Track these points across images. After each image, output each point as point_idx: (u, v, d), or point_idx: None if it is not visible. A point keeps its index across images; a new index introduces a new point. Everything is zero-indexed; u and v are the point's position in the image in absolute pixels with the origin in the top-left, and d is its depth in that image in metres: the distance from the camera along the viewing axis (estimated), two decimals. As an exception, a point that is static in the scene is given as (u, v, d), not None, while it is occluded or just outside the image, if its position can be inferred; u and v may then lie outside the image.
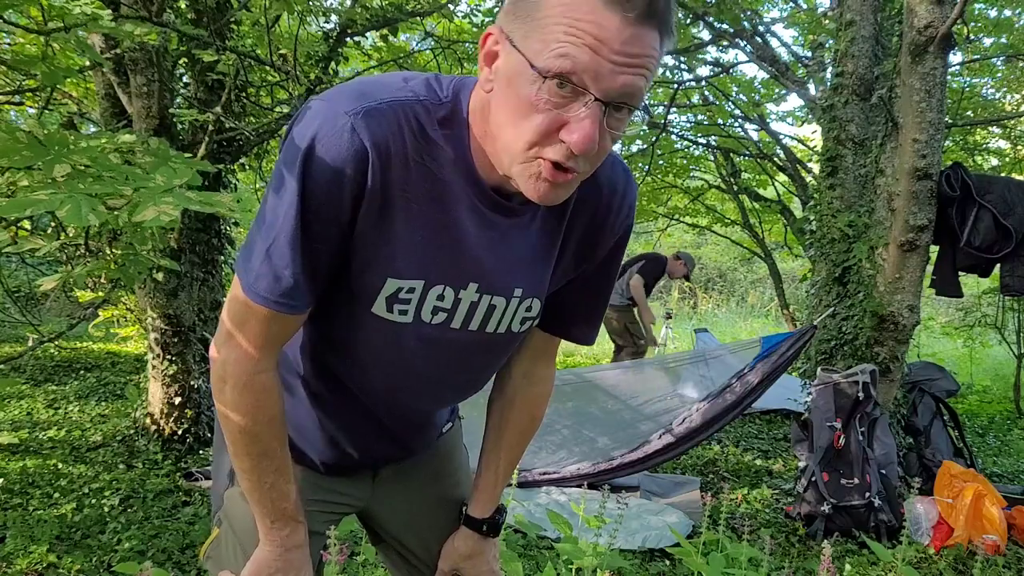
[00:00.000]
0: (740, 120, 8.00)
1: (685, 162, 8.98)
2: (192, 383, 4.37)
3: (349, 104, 0.79)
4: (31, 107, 4.42)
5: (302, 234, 0.81)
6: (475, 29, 6.36)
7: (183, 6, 4.13)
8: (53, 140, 1.31)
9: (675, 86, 7.58)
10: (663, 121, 7.53)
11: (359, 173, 0.79)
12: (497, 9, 6.04)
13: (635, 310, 6.15)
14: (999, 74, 7.39)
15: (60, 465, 3.95)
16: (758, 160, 8.32)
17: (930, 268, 3.87)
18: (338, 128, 0.78)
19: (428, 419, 1.14)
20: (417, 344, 0.95)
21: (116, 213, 1.32)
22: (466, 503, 1.21)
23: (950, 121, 5.26)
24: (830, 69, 4.81)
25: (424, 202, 0.84)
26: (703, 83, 7.75)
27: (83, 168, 1.29)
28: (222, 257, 4.65)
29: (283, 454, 0.96)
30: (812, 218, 4.46)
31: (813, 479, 3.47)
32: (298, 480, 1.06)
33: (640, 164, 8.28)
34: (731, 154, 8.44)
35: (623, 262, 6.38)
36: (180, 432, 4.36)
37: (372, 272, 0.87)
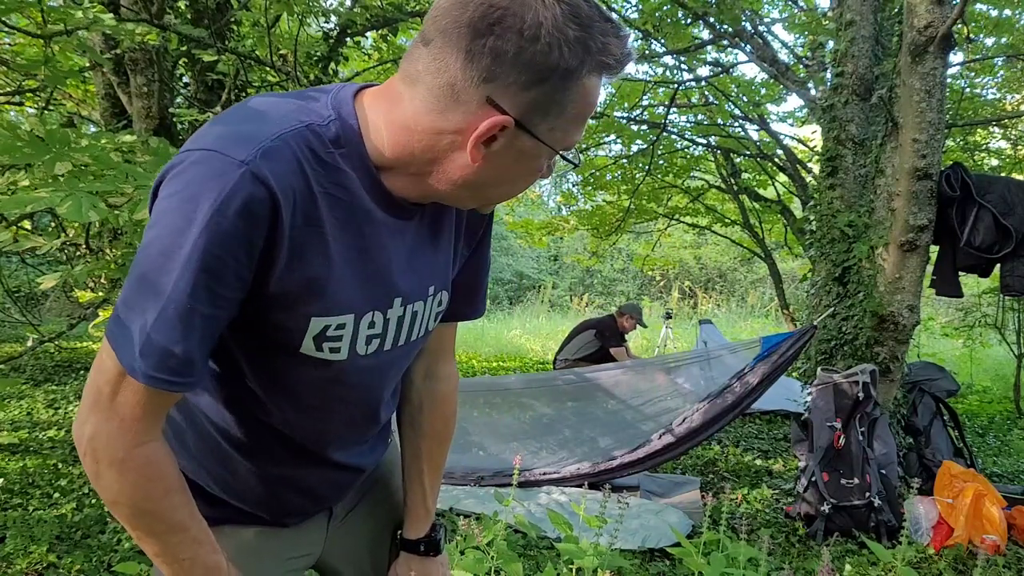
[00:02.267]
0: (740, 120, 8.00)
1: (685, 162, 8.98)
2: (192, 383, 4.37)
3: (240, 150, 0.71)
4: (31, 107, 4.42)
5: (202, 304, 0.72)
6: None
7: (183, 7, 4.13)
8: (54, 138, 1.30)
9: (675, 86, 7.59)
10: (663, 121, 7.54)
11: (268, 224, 0.72)
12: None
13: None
14: (999, 74, 7.39)
15: (60, 465, 3.95)
16: (758, 160, 8.32)
17: (930, 268, 3.87)
18: (237, 180, 0.69)
19: (369, 437, 1.07)
20: (353, 376, 0.90)
21: (117, 212, 1.32)
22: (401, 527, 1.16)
23: (950, 121, 5.27)
24: (830, 69, 4.81)
25: (338, 232, 0.80)
26: (703, 83, 7.75)
27: (84, 166, 1.29)
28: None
29: (195, 524, 0.84)
30: (812, 218, 4.46)
31: (813, 479, 3.47)
32: (252, 542, 0.99)
33: (640, 164, 8.28)
34: (731, 154, 8.44)
35: (578, 325, 6.24)
36: (180, 432, 4.35)
37: (294, 315, 0.80)
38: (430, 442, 1.13)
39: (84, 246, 2.38)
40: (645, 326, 6.75)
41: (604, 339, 6.00)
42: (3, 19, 1.96)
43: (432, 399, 1.12)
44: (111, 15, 2.08)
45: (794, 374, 5.28)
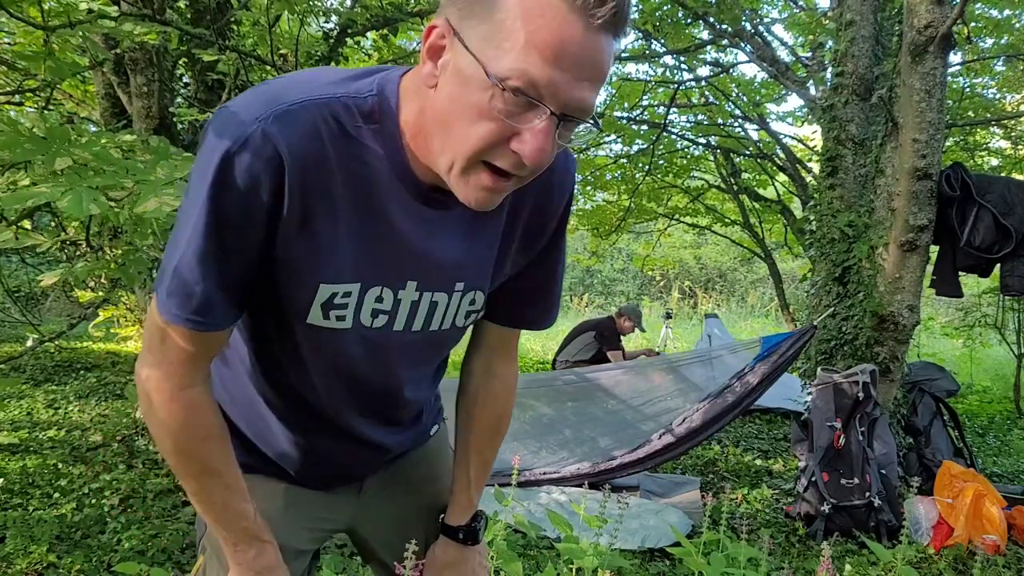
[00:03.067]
0: (740, 120, 8.00)
1: (685, 162, 8.98)
2: (192, 383, 4.37)
3: (259, 109, 0.74)
4: (31, 107, 4.42)
5: (214, 248, 0.76)
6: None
7: (183, 6, 4.13)
8: (55, 134, 1.31)
9: (675, 86, 7.58)
10: (663, 121, 7.54)
11: (274, 182, 0.75)
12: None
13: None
14: (999, 74, 7.39)
15: (60, 465, 3.95)
16: (758, 160, 8.32)
17: (930, 268, 3.87)
18: (248, 135, 0.73)
19: (391, 418, 1.08)
20: (360, 349, 0.91)
21: (117, 209, 1.33)
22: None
23: (950, 121, 5.27)
24: (830, 69, 4.81)
25: (350, 203, 0.80)
26: (703, 83, 7.75)
27: (84, 164, 1.29)
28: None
29: (229, 471, 0.91)
30: (812, 218, 4.46)
31: (813, 479, 3.47)
32: (281, 498, 1.03)
33: (640, 164, 8.28)
34: (731, 154, 8.44)
35: (577, 326, 6.20)
36: (180, 432, 4.35)
37: (302, 280, 0.83)
38: (480, 436, 1.14)
39: (85, 244, 2.38)
40: (643, 330, 6.73)
41: (603, 341, 6.00)
42: (7, 9, 1.96)
43: (487, 395, 1.13)
44: (114, 7, 2.08)
45: (795, 373, 5.29)
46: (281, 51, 4.37)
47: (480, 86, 0.69)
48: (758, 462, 4.81)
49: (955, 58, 5.51)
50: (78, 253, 4.16)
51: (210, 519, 0.93)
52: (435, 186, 0.83)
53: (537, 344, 11.03)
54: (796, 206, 8.67)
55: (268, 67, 4.31)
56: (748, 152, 8.33)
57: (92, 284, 5.43)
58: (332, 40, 4.53)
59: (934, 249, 3.82)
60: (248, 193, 0.74)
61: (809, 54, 6.87)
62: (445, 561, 1.15)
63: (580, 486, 3.77)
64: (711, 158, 9.02)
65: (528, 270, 1.00)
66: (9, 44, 4.29)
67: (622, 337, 6.22)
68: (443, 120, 0.73)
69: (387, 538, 1.17)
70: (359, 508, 1.13)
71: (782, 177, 8.50)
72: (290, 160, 0.74)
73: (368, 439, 1.05)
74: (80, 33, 2.09)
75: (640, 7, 6.52)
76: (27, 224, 2.50)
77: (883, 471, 3.45)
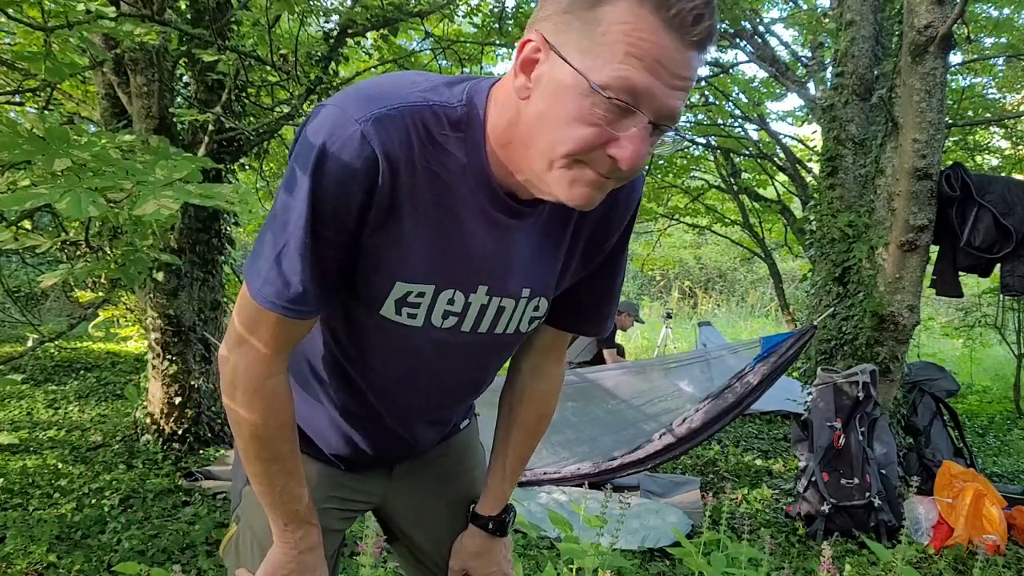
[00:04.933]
0: (740, 120, 8.00)
1: (685, 162, 8.98)
2: (192, 383, 4.37)
3: (360, 110, 0.79)
4: (31, 107, 4.42)
5: (312, 241, 0.81)
6: (474, 30, 6.36)
7: (183, 6, 4.13)
8: (54, 135, 1.31)
9: (675, 86, 7.56)
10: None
11: (369, 180, 0.79)
12: (496, 8, 6.04)
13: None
14: (999, 74, 7.39)
15: (60, 465, 3.95)
16: (758, 160, 8.32)
17: (930, 268, 3.87)
18: (348, 135, 0.78)
19: (439, 417, 1.14)
20: (428, 347, 0.95)
21: (116, 210, 1.32)
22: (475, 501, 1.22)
23: (950, 121, 5.26)
24: (830, 69, 4.81)
25: (431, 207, 0.84)
26: (703, 83, 7.75)
27: (83, 164, 1.29)
28: (222, 257, 4.65)
29: (294, 458, 0.96)
30: (812, 218, 4.46)
31: (813, 479, 3.47)
32: (315, 478, 1.07)
33: (640, 164, 8.26)
34: (731, 154, 8.44)
35: None
36: (180, 432, 4.35)
37: (381, 275, 0.87)
38: (520, 432, 1.18)
39: (84, 244, 2.37)
40: (642, 322, 6.77)
41: (601, 340, 6.02)
42: (4, 11, 1.96)
43: (532, 394, 1.16)
44: (112, 8, 2.07)
45: (794, 374, 5.28)
46: (281, 51, 4.37)
47: (581, 93, 0.72)
48: (758, 462, 4.80)
49: (955, 58, 5.52)
50: (78, 253, 4.16)
51: (267, 500, 0.97)
52: (512, 195, 0.87)
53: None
54: (796, 206, 8.66)
55: (268, 67, 4.31)
56: (748, 152, 8.33)
57: (92, 284, 5.42)
58: (332, 40, 4.52)
59: (934, 249, 3.82)
60: (345, 189, 0.79)
61: (809, 54, 6.86)
62: (473, 550, 1.19)
63: (580, 486, 3.77)
64: (711, 158, 9.02)
65: (588, 279, 1.03)
66: (9, 44, 4.29)
67: (623, 332, 6.24)
68: (540, 126, 0.76)
69: (409, 522, 1.22)
70: (388, 488, 1.18)
71: (782, 177, 8.50)
72: (384, 161, 0.79)
73: (412, 433, 1.09)
74: (80, 33, 2.09)
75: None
76: (27, 224, 2.50)
77: (883, 471, 3.45)
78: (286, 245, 0.81)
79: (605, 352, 5.97)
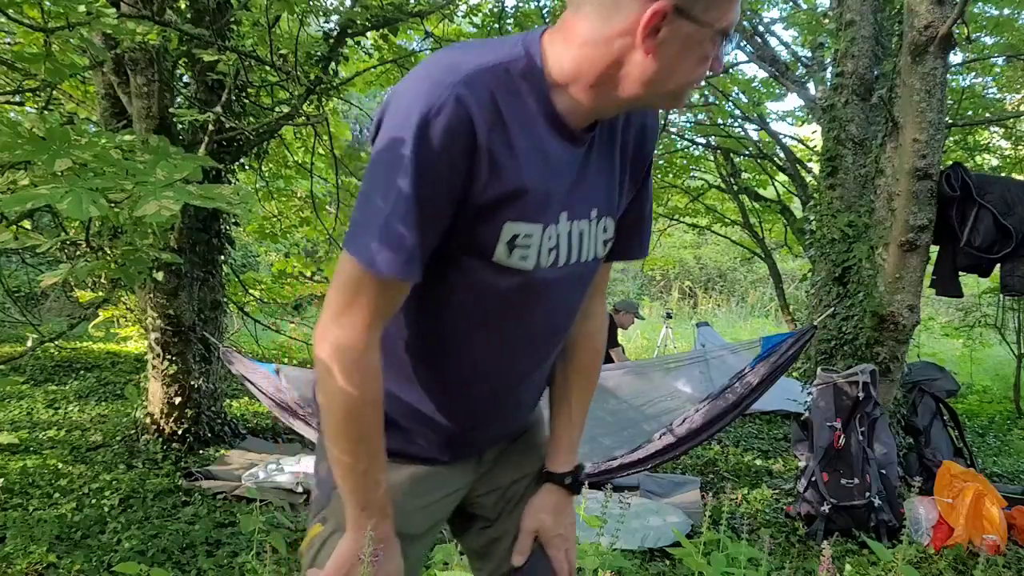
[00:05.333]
0: (740, 120, 7.99)
1: (685, 162, 8.97)
2: (192, 383, 4.37)
3: (448, 77, 0.86)
4: (31, 108, 4.42)
5: (417, 204, 0.86)
6: (474, 30, 6.36)
7: (183, 6, 4.13)
8: (55, 135, 1.31)
9: (675, 86, 7.56)
10: (663, 121, 7.53)
11: (469, 138, 0.86)
12: (496, 8, 6.04)
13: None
14: (999, 74, 7.39)
15: (60, 465, 3.95)
16: (758, 160, 8.32)
17: (930, 268, 3.87)
18: (443, 101, 0.85)
19: (536, 381, 1.15)
20: (537, 289, 1.00)
21: (117, 210, 1.32)
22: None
23: (950, 121, 5.26)
24: (830, 69, 4.81)
25: (524, 151, 0.92)
26: (703, 83, 7.74)
27: (84, 164, 1.29)
28: (222, 257, 4.65)
29: (379, 440, 0.99)
30: (812, 218, 4.46)
31: (813, 479, 3.47)
32: (406, 483, 1.08)
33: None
34: (731, 154, 8.44)
35: None
36: (180, 432, 4.35)
37: (490, 222, 0.93)
38: (578, 376, 1.20)
39: (85, 244, 2.37)
40: (643, 318, 6.81)
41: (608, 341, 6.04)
42: (5, 12, 1.96)
43: (583, 334, 1.18)
44: (113, 10, 2.07)
45: (794, 374, 5.28)
46: (281, 51, 4.36)
47: (708, 40, 0.87)
48: (758, 462, 4.80)
49: (955, 58, 5.52)
50: (78, 253, 4.16)
51: (348, 484, 0.99)
52: (574, 124, 0.96)
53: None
54: (796, 206, 8.66)
55: (268, 67, 4.31)
56: (748, 152, 8.32)
57: (92, 284, 5.42)
58: (332, 40, 4.52)
59: (934, 249, 3.82)
60: (449, 150, 0.86)
61: (809, 54, 6.86)
62: (549, 507, 1.20)
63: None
64: (711, 158, 9.01)
65: (632, 203, 1.11)
66: (9, 45, 4.29)
67: (623, 331, 6.27)
68: (661, 77, 0.89)
69: (494, 501, 1.21)
70: (476, 475, 1.18)
71: (782, 177, 8.50)
72: (478, 119, 0.86)
73: (516, 397, 1.13)
74: (80, 33, 2.09)
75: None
76: (27, 224, 2.50)
77: (883, 471, 3.45)
78: (393, 212, 0.87)
79: (612, 352, 6.00)
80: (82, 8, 1.91)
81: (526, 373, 1.11)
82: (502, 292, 0.98)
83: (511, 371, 1.08)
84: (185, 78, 4.67)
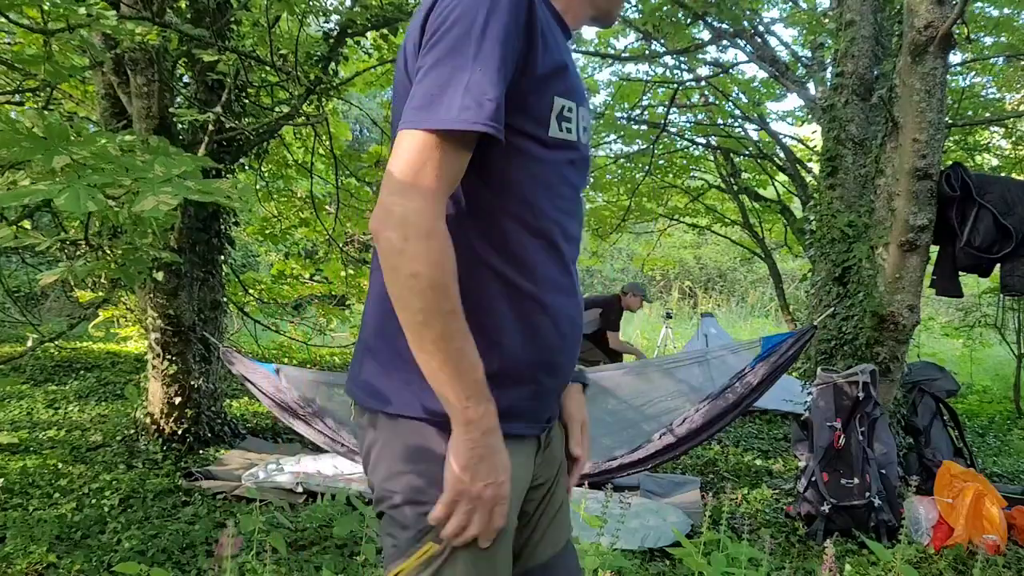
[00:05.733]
0: (740, 120, 7.99)
1: (685, 162, 8.97)
2: (192, 383, 4.37)
3: None
4: (31, 107, 4.42)
5: (499, 62, 0.93)
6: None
7: (183, 6, 4.13)
8: (54, 133, 1.31)
9: (675, 86, 7.58)
10: (663, 121, 7.53)
11: (531, 14, 0.97)
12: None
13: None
14: (999, 74, 7.39)
15: (60, 465, 3.95)
16: (758, 160, 8.31)
17: (930, 268, 3.87)
18: None
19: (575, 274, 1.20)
20: (583, 166, 1.11)
21: (116, 208, 1.32)
22: None
23: (950, 121, 5.26)
24: (830, 69, 4.81)
25: (553, 37, 1.04)
26: (703, 83, 7.74)
27: (83, 162, 1.29)
28: (222, 257, 4.65)
29: (464, 317, 0.93)
30: (812, 218, 4.46)
31: (813, 479, 3.47)
32: (528, 459, 1.07)
33: (640, 164, 8.27)
34: (731, 154, 8.44)
35: (584, 301, 6.48)
36: (180, 432, 4.35)
37: (543, 95, 1.00)
38: None
39: (84, 243, 2.38)
40: (650, 301, 6.82)
41: (606, 321, 6.07)
42: (5, 13, 1.96)
43: None
44: (113, 11, 2.07)
45: (794, 374, 5.28)
46: (281, 51, 4.36)
47: None
48: (758, 462, 4.80)
49: (955, 58, 5.52)
50: (78, 253, 4.16)
51: (447, 372, 0.92)
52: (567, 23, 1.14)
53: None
54: (796, 206, 8.66)
55: (268, 67, 4.31)
56: (748, 152, 8.32)
57: (92, 284, 5.42)
58: (332, 40, 4.52)
59: (934, 249, 3.82)
60: (517, 20, 0.95)
61: (809, 54, 6.86)
62: (581, 401, 1.33)
63: (580, 486, 3.76)
64: (711, 158, 9.01)
65: None
66: (9, 44, 4.29)
67: (631, 312, 6.34)
68: None
69: (541, 495, 1.18)
70: (536, 462, 1.12)
71: (782, 177, 8.49)
72: (536, 2, 0.99)
73: (578, 325, 1.14)
74: (80, 34, 2.09)
75: (640, 7, 6.51)
76: (27, 224, 2.50)
77: (883, 471, 3.45)
78: (477, 72, 0.92)
79: (609, 335, 5.99)
80: (82, 10, 1.92)
81: (576, 282, 1.13)
82: (557, 167, 1.05)
83: (572, 275, 1.11)
84: (185, 78, 4.67)
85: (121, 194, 1.28)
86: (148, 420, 4.40)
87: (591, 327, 6.02)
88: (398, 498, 0.99)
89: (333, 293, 7.00)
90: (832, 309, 3.90)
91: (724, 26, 6.12)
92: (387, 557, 1.02)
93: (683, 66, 7.74)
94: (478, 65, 0.91)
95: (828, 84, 4.48)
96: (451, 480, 0.94)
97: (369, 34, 4.98)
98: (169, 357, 4.30)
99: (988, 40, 6.54)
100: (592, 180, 9.10)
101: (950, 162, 3.77)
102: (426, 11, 0.98)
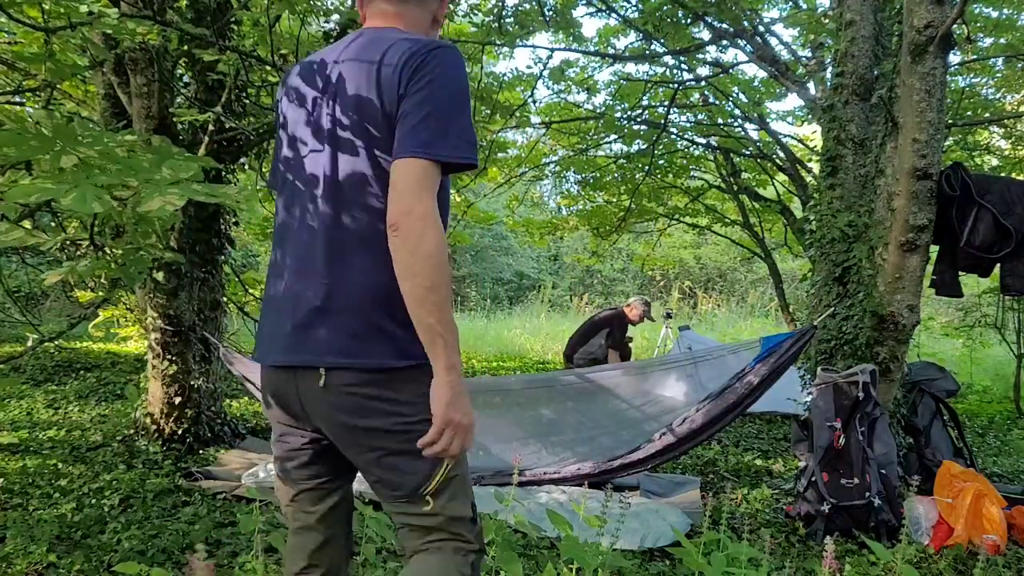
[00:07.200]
0: (740, 120, 7.99)
1: (685, 162, 8.97)
2: (192, 383, 4.37)
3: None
4: (31, 108, 4.42)
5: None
6: (475, 29, 6.36)
7: (183, 6, 4.13)
8: (61, 132, 1.31)
9: (675, 86, 7.58)
10: (663, 121, 7.53)
11: None
12: (496, 7, 6.04)
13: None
14: (999, 74, 7.39)
15: (60, 465, 3.95)
16: (758, 160, 8.31)
17: (930, 268, 3.87)
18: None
19: None
20: None
21: (121, 208, 1.33)
22: None
23: (950, 121, 5.26)
24: (830, 69, 4.81)
25: None
26: (703, 83, 7.74)
27: (90, 162, 1.30)
28: (222, 257, 4.65)
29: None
30: (812, 218, 4.46)
31: (813, 479, 3.47)
32: None
33: (640, 164, 8.27)
34: (731, 154, 8.43)
35: (593, 323, 6.65)
36: (180, 432, 4.35)
37: None
38: None
39: (87, 242, 2.37)
40: (652, 319, 6.91)
41: (611, 339, 6.20)
42: (7, 11, 1.96)
43: None
44: (114, 10, 2.07)
45: (801, 370, 5.27)
46: (281, 51, 4.36)
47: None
48: (758, 462, 4.81)
49: (955, 58, 5.51)
50: (79, 253, 4.16)
51: (440, 327, 1.24)
52: None
53: (537, 344, 11.02)
54: (796, 206, 8.66)
55: (268, 67, 4.31)
56: (748, 152, 8.32)
57: (92, 284, 5.42)
58: (332, 40, 4.52)
59: (934, 249, 3.82)
60: None
61: (809, 54, 6.86)
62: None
63: (580, 486, 3.77)
64: (711, 158, 9.01)
65: None
66: (9, 44, 4.29)
67: (634, 325, 6.44)
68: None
69: None
70: None
71: (782, 177, 8.49)
72: None
73: None
74: (81, 32, 2.09)
75: (640, 7, 6.51)
76: (27, 224, 2.49)
77: (883, 471, 3.45)
78: (468, 120, 1.31)
79: (610, 352, 6.09)
80: (83, 8, 1.92)
81: None
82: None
83: None
84: (185, 78, 4.67)
85: (128, 196, 1.29)
86: (148, 420, 4.40)
87: (601, 351, 6.15)
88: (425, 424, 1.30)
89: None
90: (832, 309, 3.90)
91: (724, 26, 6.12)
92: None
93: (683, 66, 7.74)
94: (467, 115, 1.31)
95: (828, 84, 4.48)
96: (438, 412, 1.24)
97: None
98: (169, 357, 4.30)
99: (988, 41, 6.54)
100: (593, 180, 9.12)
101: (950, 162, 3.77)
102: (405, 59, 1.31)
